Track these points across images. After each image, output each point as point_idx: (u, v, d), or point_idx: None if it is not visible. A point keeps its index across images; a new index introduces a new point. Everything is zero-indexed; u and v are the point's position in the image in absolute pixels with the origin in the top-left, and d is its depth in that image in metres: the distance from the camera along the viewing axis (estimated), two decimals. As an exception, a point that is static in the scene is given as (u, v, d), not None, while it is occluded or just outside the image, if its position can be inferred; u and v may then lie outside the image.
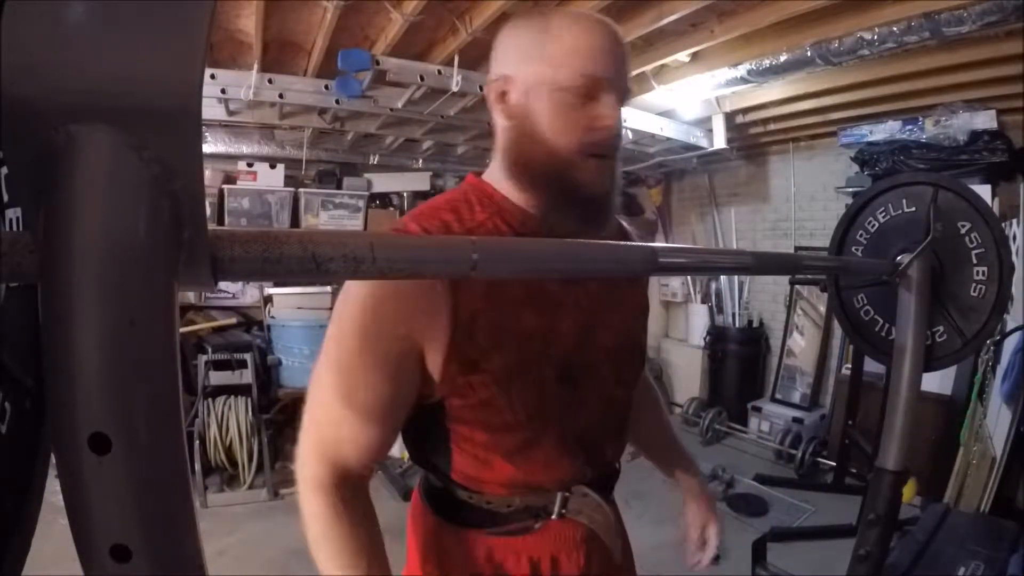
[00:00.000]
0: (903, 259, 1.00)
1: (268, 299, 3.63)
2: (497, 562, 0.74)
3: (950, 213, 1.05)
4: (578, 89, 0.66)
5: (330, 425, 0.69)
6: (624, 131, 0.74)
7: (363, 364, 0.67)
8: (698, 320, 4.49)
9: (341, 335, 0.68)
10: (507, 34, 0.73)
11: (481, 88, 2.55)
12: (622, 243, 0.77)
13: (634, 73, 2.72)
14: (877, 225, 1.15)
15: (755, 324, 4.30)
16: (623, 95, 0.69)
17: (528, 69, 0.68)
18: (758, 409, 3.94)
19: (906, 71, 2.53)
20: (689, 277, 4.55)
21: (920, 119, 3.00)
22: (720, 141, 3.43)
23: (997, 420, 2.14)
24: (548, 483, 0.74)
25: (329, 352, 0.69)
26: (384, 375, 0.67)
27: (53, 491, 0.36)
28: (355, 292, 0.67)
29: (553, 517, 0.74)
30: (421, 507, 0.79)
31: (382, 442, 0.70)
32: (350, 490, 0.69)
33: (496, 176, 0.74)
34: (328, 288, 3.63)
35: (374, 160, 4.10)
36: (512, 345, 0.68)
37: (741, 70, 2.54)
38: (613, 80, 0.67)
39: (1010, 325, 2.14)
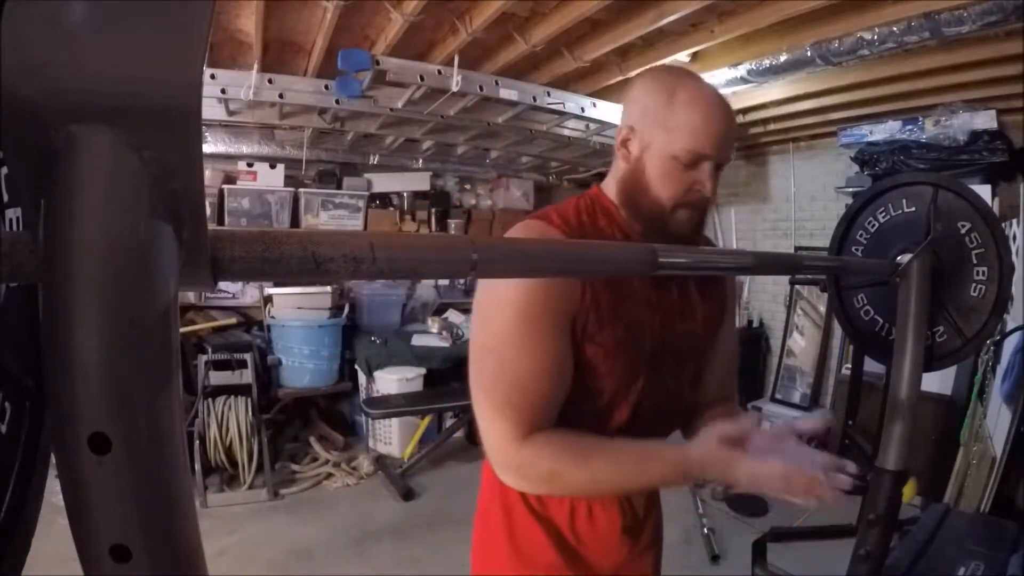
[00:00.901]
0: (903, 259, 1.00)
1: (268, 299, 3.63)
2: (544, 502, 0.91)
3: (950, 213, 1.05)
4: (684, 160, 0.81)
5: (528, 400, 0.79)
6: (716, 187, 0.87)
7: (545, 337, 0.79)
8: (698, 320, 4.49)
9: (510, 326, 0.79)
10: (641, 89, 0.87)
11: (481, 88, 2.55)
12: (622, 243, 0.77)
13: (634, 73, 2.72)
14: (877, 225, 1.15)
15: (755, 324, 4.30)
16: (723, 163, 0.84)
17: (649, 130, 0.83)
18: (758, 409, 3.94)
19: (906, 71, 2.53)
20: (689, 277, 4.55)
21: (920, 119, 3.00)
22: (720, 141, 3.43)
23: (997, 420, 2.13)
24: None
25: (500, 344, 0.80)
26: (563, 339, 0.81)
27: (53, 491, 0.36)
28: (508, 288, 0.79)
29: None
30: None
31: (563, 397, 0.83)
32: (575, 432, 0.81)
33: (613, 194, 0.90)
34: (328, 288, 3.63)
35: (374, 160, 4.10)
36: (619, 325, 0.83)
37: (741, 70, 2.54)
38: (715, 155, 0.82)
39: (1010, 325, 2.13)
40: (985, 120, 2.81)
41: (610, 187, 0.90)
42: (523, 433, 0.79)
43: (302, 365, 3.49)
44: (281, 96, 2.57)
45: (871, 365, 3.14)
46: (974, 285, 1.05)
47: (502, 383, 0.80)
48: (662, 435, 0.94)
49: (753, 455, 0.78)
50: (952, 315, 1.07)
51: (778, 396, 4.01)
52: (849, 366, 3.34)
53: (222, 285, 2.86)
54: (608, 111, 2.99)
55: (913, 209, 1.10)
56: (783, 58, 2.38)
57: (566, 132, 3.37)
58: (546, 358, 0.79)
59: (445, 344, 3.71)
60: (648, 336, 0.86)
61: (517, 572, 0.92)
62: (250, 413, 3.12)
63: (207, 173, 3.49)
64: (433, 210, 4.35)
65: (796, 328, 4.06)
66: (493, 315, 0.81)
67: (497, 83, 2.59)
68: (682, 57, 2.59)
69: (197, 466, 2.94)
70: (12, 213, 0.38)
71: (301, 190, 3.86)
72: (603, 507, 0.92)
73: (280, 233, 0.37)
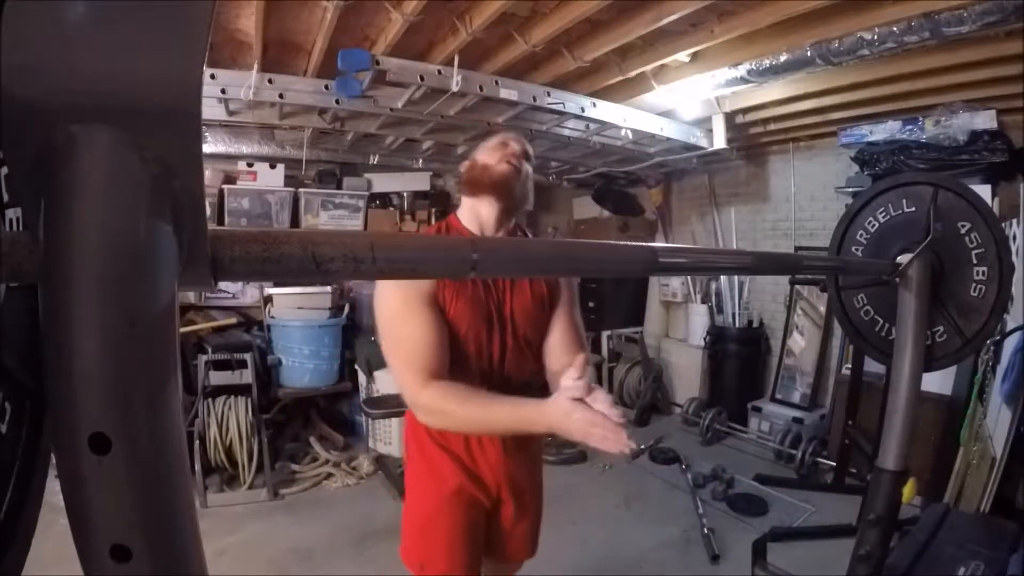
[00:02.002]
0: (903, 259, 1.00)
1: (268, 299, 3.63)
2: (445, 436, 1.26)
3: (950, 213, 1.05)
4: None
5: (420, 355, 1.13)
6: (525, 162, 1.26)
7: (420, 311, 1.14)
8: (698, 320, 4.49)
9: (397, 309, 1.16)
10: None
11: (481, 88, 2.55)
12: (622, 243, 0.77)
13: (634, 73, 2.72)
14: (877, 225, 1.15)
15: (755, 324, 4.30)
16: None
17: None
18: (758, 409, 3.94)
19: (906, 71, 2.53)
20: (689, 277, 4.55)
21: (920, 119, 3.00)
22: (720, 141, 3.43)
23: (997, 420, 2.13)
24: (478, 388, 1.17)
25: (394, 324, 1.16)
26: (432, 312, 1.15)
27: (53, 491, 0.36)
28: (387, 286, 1.18)
29: None
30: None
31: (447, 351, 1.17)
32: (464, 385, 1.13)
33: (460, 217, 1.28)
34: (328, 288, 3.63)
35: (374, 160, 4.09)
36: (461, 300, 1.19)
37: (741, 70, 2.54)
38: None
39: (1010, 325, 2.13)
40: (985, 120, 2.81)
41: (461, 214, 1.28)
42: (422, 382, 1.11)
43: (302, 365, 3.49)
44: (281, 96, 2.57)
45: (871, 365, 3.14)
46: (974, 285, 1.05)
47: (400, 349, 1.15)
48: (520, 374, 1.26)
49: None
50: (952, 315, 1.07)
51: (778, 396, 4.01)
52: (849, 366, 3.34)
53: (222, 285, 2.86)
54: (608, 111, 2.99)
55: (913, 209, 1.10)
56: (783, 58, 2.38)
57: (566, 132, 3.37)
58: (424, 326, 1.13)
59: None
60: (485, 307, 1.21)
61: (432, 483, 1.27)
62: (250, 413, 3.12)
63: (207, 173, 3.48)
64: (433, 210, 4.35)
65: (796, 328, 4.05)
66: (384, 307, 1.18)
67: (497, 83, 2.59)
68: (682, 57, 2.59)
69: (197, 466, 2.94)
70: (12, 213, 0.38)
71: (301, 190, 3.85)
72: (490, 437, 1.26)
73: (280, 233, 0.37)
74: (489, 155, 1.22)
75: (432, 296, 1.16)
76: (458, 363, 1.19)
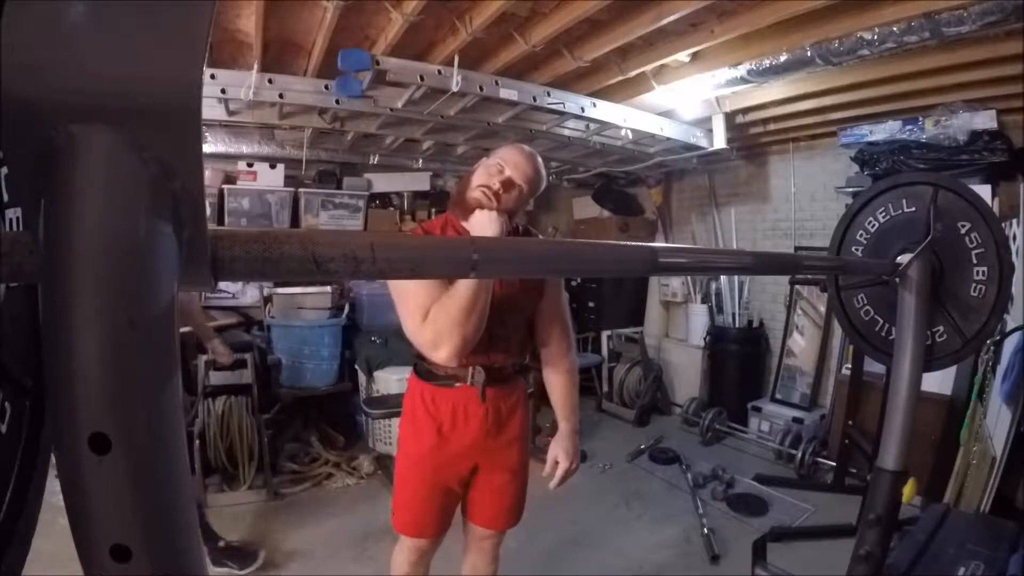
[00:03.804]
0: (903, 259, 1.00)
1: (268, 299, 3.63)
2: (437, 400, 1.46)
3: (950, 213, 1.05)
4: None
5: (423, 304, 1.31)
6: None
7: (429, 286, 1.32)
8: (698, 320, 4.49)
9: (411, 285, 1.33)
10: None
11: (481, 88, 2.55)
12: (622, 243, 0.77)
13: (634, 73, 2.72)
14: (877, 225, 1.15)
15: (755, 324, 4.30)
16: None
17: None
18: (758, 409, 3.94)
19: (906, 71, 2.53)
20: (689, 277, 4.55)
21: (920, 119, 2.99)
22: (720, 141, 3.43)
23: (997, 420, 2.13)
24: (465, 366, 1.42)
25: (411, 295, 1.33)
26: (437, 287, 1.32)
27: (53, 491, 0.36)
28: None
29: (467, 383, 1.43)
30: (412, 373, 1.53)
31: None
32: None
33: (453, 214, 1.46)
34: (328, 288, 3.63)
35: (374, 160, 4.09)
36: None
37: (741, 70, 2.54)
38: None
39: (1010, 325, 2.13)
40: (985, 120, 2.81)
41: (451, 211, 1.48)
42: (421, 321, 1.32)
43: (302, 365, 3.49)
44: (281, 96, 2.56)
45: (871, 365, 3.14)
46: (974, 285, 1.05)
47: (411, 304, 1.33)
48: (503, 361, 1.46)
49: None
50: (952, 315, 1.07)
51: (778, 396, 4.01)
52: (849, 366, 3.34)
53: (222, 285, 2.86)
54: (608, 111, 2.99)
55: (913, 209, 1.10)
56: (783, 58, 2.38)
57: (566, 132, 3.37)
58: (432, 290, 1.30)
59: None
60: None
61: (413, 441, 1.48)
62: (250, 413, 3.12)
63: (207, 173, 3.48)
64: (433, 210, 4.35)
65: (796, 328, 4.05)
66: (398, 285, 1.37)
67: (497, 83, 2.59)
68: (682, 57, 2.59)
69: (197, 466, 2.94)
70: (12, 213, 0.38)
71: (301, 190, 3.85)
72: (473, 410, 1.44)
73: (280, 233, 0.37)
74: (481, 175, 1.37)
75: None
76: None
